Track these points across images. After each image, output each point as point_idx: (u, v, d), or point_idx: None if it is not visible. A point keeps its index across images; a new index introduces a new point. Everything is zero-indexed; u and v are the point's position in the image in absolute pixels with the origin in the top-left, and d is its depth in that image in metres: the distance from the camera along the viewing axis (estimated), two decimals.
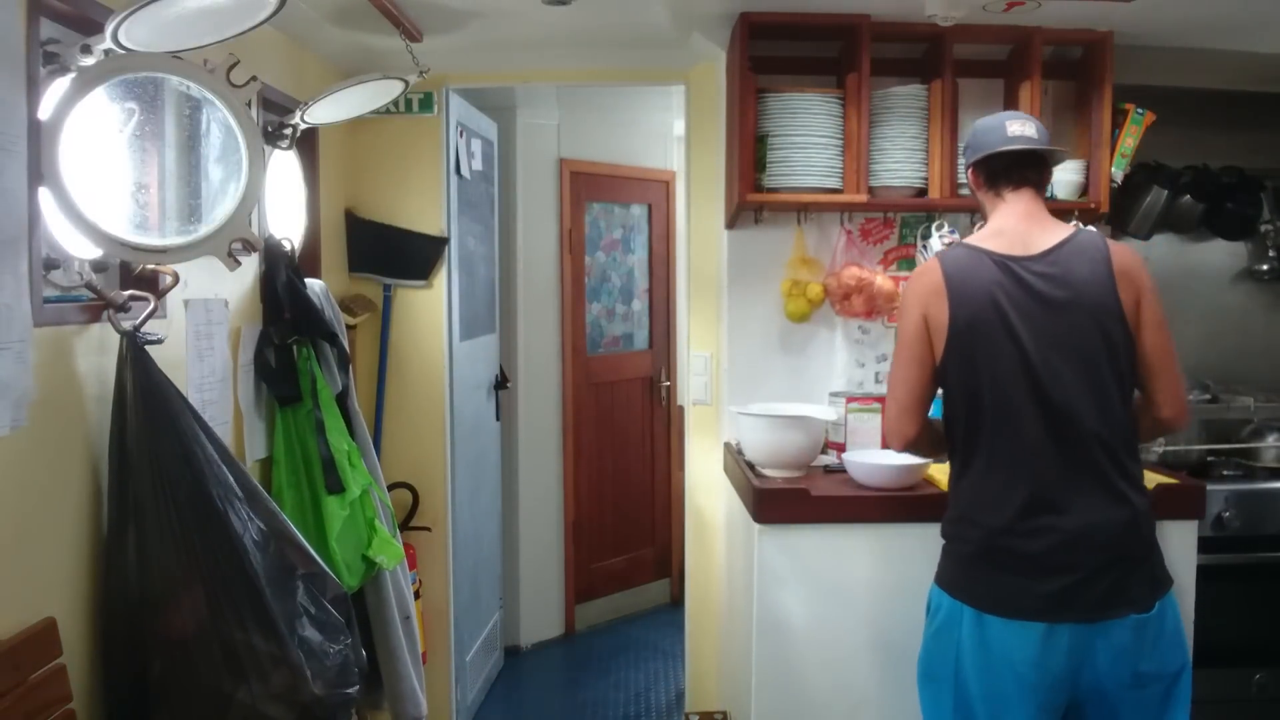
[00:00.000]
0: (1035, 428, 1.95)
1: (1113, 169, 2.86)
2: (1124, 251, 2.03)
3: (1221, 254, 3.48)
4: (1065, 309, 1.97)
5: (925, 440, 2.13)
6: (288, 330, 2.59)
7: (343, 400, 2.75)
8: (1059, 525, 1.93)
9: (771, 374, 3.10)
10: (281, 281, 2.57)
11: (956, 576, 2.04)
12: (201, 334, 2.28)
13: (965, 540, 2.04)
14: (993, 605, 1.97)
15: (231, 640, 1.84)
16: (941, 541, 2.10)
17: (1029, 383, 1.95)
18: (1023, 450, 1.96)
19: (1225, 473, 3.03)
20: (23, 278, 1.57)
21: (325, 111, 2.61)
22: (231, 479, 1.97)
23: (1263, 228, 3.37)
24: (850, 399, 2.90)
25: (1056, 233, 2.05)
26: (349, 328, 3.13)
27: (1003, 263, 2.01)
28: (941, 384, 2.08)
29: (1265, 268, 3.43)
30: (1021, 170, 2.08)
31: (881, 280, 2.93)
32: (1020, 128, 2.07)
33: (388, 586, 2.83)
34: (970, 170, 2.16)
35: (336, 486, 2.54)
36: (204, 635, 1.83)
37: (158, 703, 1.82)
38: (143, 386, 1.86)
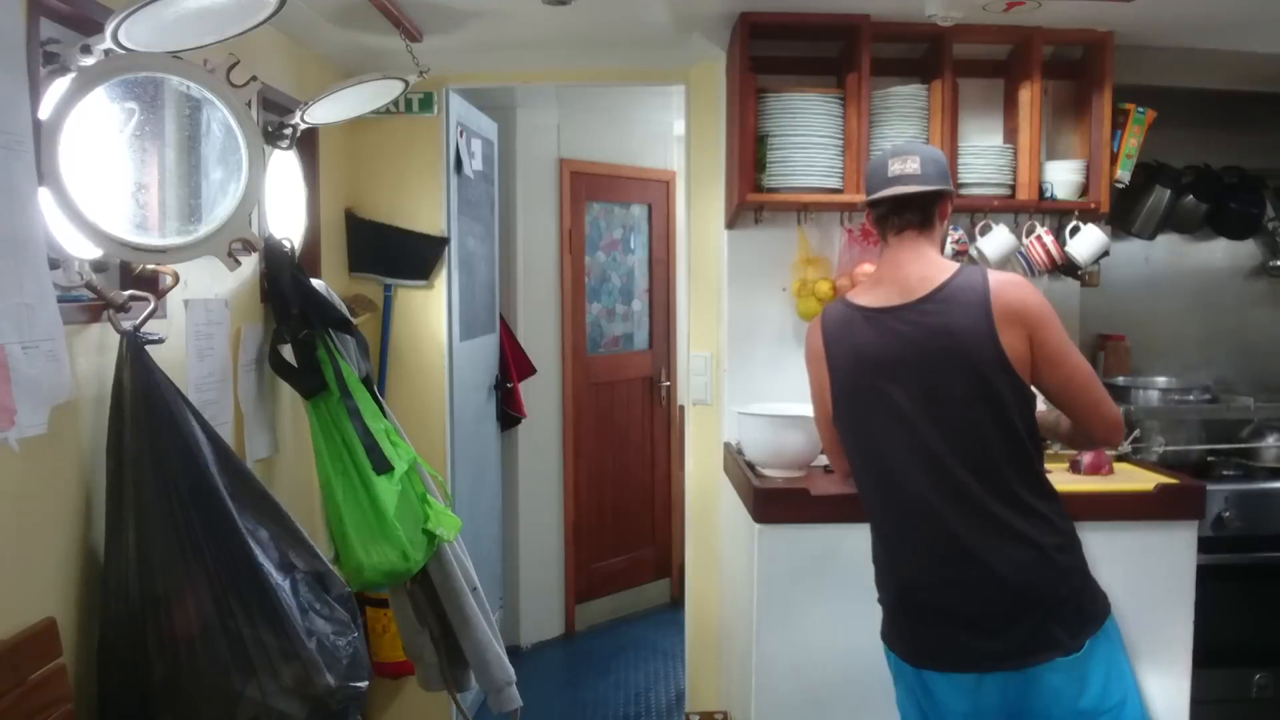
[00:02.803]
0: (923, 482, 1.91)
1: (1120, 170, 2.87)
2: (1008, 288, 1.90)
3: (1223, 254, 3.48)
4: (939, 359, 1.90)
5: None
6: (299, 325, 2.58)
7: (369, 384, 2.73)
8: (965, 576, 1.90)
9: (772, 374, 3.09)
10: (286, 279, 2.57)
11: (889, 630, 2.06)
12: (201, 334, 2.28)
13: (887, 593, 2.05)
14: (921, 659, 1.97)
15: (240, 637, 1.84)
16: None
17: (910, 439, 1.92)
18: (916, 504, 1.93)
19: (1225, 473, 3.03)
20: (44, 277, 1.57)
21: (325, 111, 2.61)
22: (235, 478, 1.97)
23: (1269, 225, 3.37)
24: None
25: (937, 275, 1.94)
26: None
27: (875, 318, 1.96)
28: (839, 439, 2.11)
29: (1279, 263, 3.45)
30: (900, 214, 1.98)
31: None
32: (901, 166, 1.96)
33: (451, 561, 2.81)
34: (866, 213, 2.09)
35: (384, 466, 2.53)
36: (209, 634, 1.83)
37: (160, 706, 1.81)
38: (143, 386, 1.86)
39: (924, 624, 1.96)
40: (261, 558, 1.92)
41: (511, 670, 2.93)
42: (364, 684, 2.04)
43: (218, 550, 1.87)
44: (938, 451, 1.90)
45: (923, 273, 1.96)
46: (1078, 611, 1.91)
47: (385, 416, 2.73)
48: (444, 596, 2.82)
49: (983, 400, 1.88)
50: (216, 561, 1.86)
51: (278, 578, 1.94)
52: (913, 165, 1.96)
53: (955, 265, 1.98)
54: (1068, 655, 1.88)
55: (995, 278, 1.92)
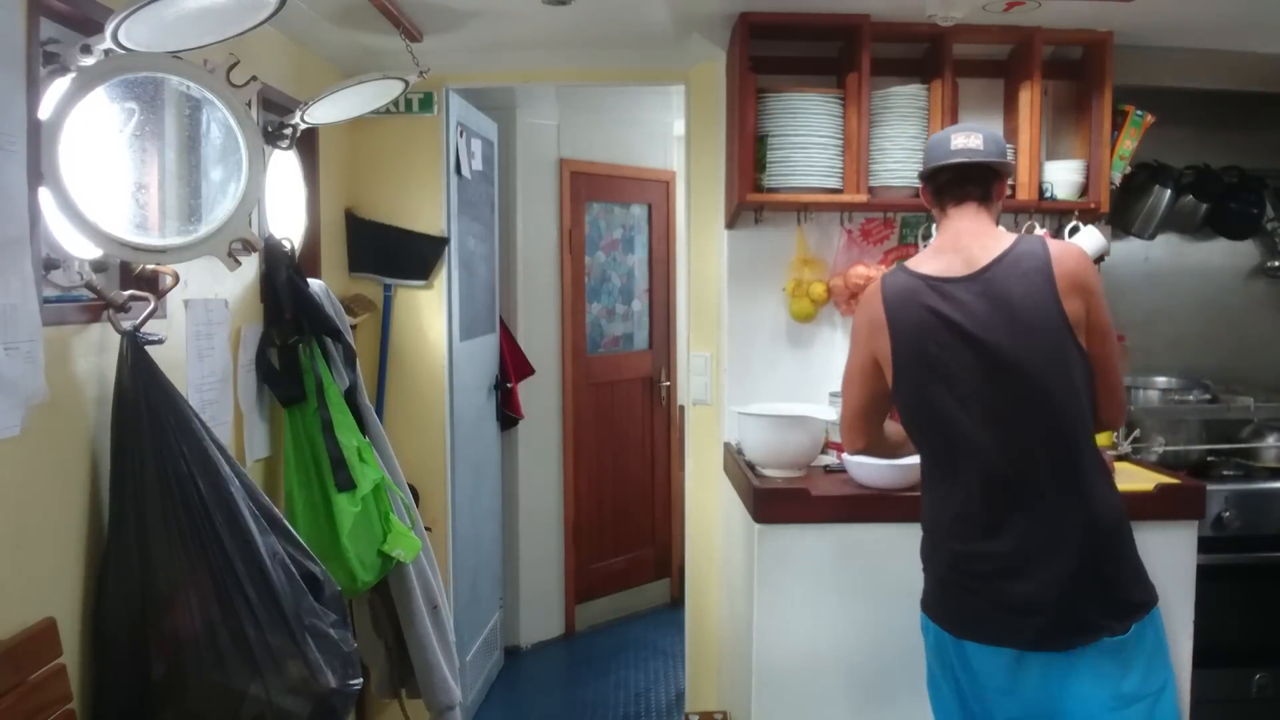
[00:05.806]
0: (986, 453, 1.92)
1: (1111, 170, 2.87)
2: (1068, 256, 1.93)
3: (1223, 254, 3.48)
4: (1005, 328, 1.90)
5: (879, 449, 2.20)
6: (290, 330, 2.58)
7: (351, 396, 2.73)
8: (1020, 548, 1.90)
9: (772, 374, 3.10)
10: (281, 281, 2.57)
11: (933, 600, 2.05)
12: (201, 334, 2.28)
13: (935, 562, 2.04)
14: (965, 630, 1.97)
15: (244, 636, 1.85)
16: None
17: (976, 409, 1.92)
18: (976, 474, 1.94)
19: (1225, 473, 3.03)
20: (28, 278, 1.57)
21: (325, 111, 2.61)
22: (238, 478, 1.99)
23: (1269, 225, 3.37)
24: None
25: (997, 245, 1.96)
26: (349, 328, 3.13)
27: (938, 288, 1.97)
28: (897, 408, 2.09)
29: (1278, 264, 3.44)
30: (963, 185, 2.02)
31: None
32: (965, 140, 2.03)
33: (411, 578, 2.82)
34: (921, 186, 2.12)
35: (346, 484, 2.54)
36: (214, 632, 1.84)
37: (161, 704, 1.82)
38: (148, 387, 1.86)
39: (972, 594, 1.96)
40: (268, 558, 1.94)
41: (457, 694, 2.95)
42: (359, 683, 2.07)
43: (225, 549, 1.88)
44: (1004, 422, 1.91)
45: (984, 243, 1.99)
46: (1127, 595, 1.92)
47: (364, 430, 2.73)
48: (400, 612, 2.84)
49: (1049, 367, 1.89)
50: (223, 560, 1.87)
51: (281, 577, 1.95)
52: (976, 141, 2.03)
53: (1014, 235, 2.01)
54: (1114, 637, 1.88)
55: (1054, 245, 1.96)
